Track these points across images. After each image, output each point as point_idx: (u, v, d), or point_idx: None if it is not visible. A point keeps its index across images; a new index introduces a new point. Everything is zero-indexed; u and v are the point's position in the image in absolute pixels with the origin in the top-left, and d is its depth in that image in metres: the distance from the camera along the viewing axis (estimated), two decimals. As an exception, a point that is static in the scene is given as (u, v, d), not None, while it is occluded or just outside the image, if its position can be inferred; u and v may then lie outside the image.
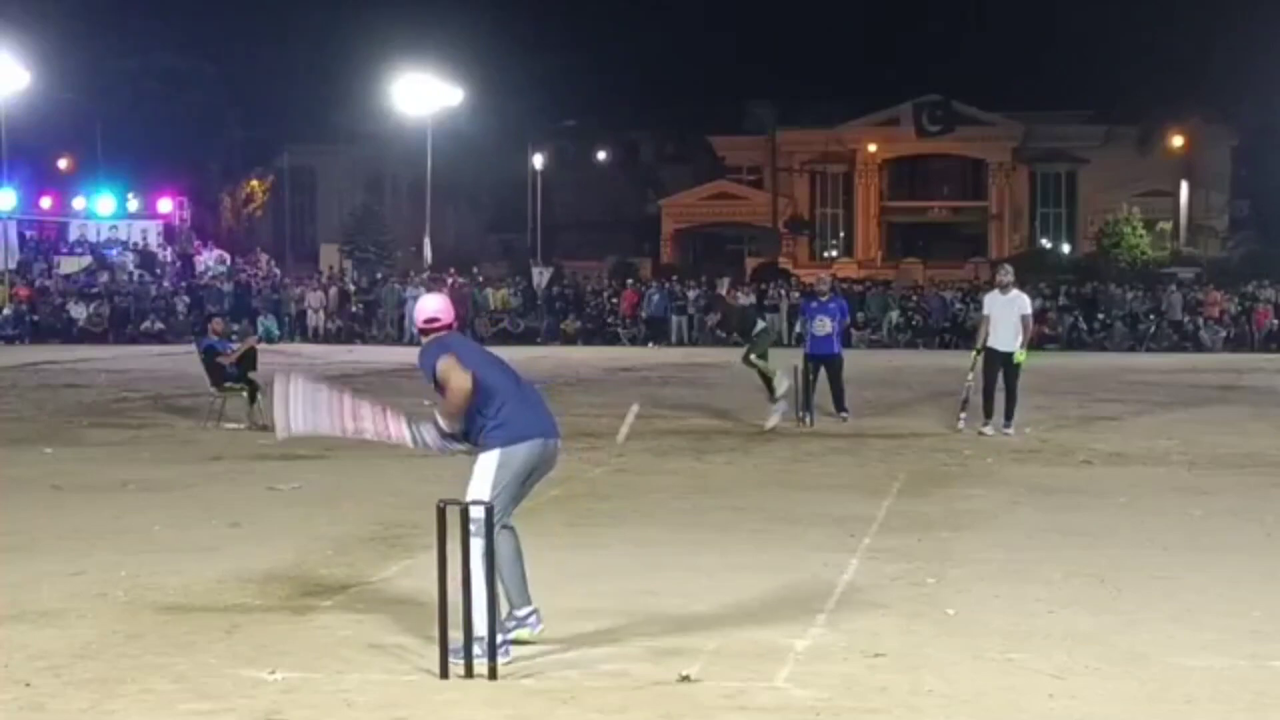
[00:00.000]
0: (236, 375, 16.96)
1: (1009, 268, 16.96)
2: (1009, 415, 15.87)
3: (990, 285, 16.91)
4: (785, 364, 17.16)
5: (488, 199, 68.95)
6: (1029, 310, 16.23)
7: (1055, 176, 67.73)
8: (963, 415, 16.25)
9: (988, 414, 15.84)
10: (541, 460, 6.83)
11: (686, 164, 71.43)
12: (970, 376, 16.07)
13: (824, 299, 17.96)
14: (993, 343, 15.87)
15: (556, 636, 6.86)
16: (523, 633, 6.65)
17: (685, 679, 6.17)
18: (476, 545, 6.25)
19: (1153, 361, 32.63)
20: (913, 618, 7.34)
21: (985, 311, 16.32)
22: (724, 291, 17.31)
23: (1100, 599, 7.81)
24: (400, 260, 54.30)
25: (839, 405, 17.36)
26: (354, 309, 43.16)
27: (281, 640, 6.88)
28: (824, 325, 17.33)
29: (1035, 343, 38.71)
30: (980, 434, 15.57)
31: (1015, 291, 16.15)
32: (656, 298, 41.44)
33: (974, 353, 16.18)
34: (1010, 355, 15.78)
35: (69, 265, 47.01)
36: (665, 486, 12.12)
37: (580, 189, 67.44)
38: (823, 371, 17.29)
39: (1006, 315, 15.86)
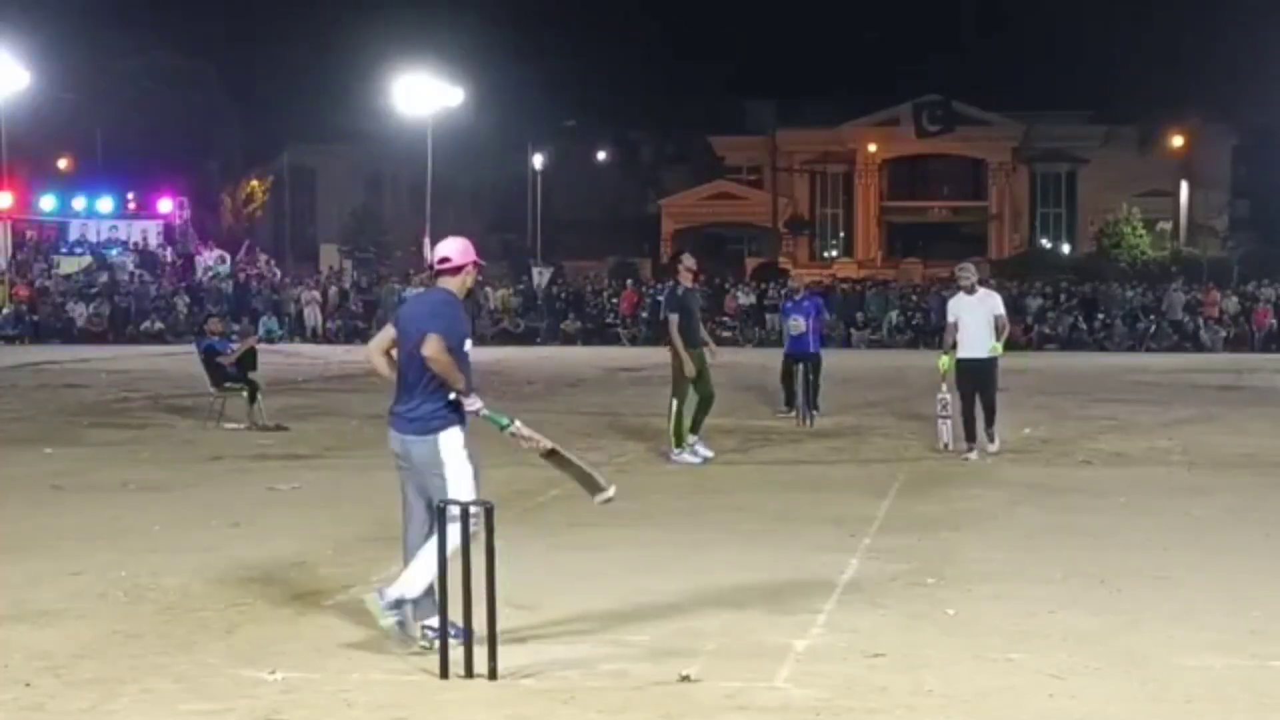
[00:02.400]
0: (236, 375, 16.96)
1: (970, 266, 14.76)
2: (989, 424, 14.16)
3: (957, 287, 14.62)
4: (771, 365, 17.14)
5: (488, 199, 68.97)
6: (1002, 309, 14.28)
7: (1055, 176, 67.76)
8: (944, 430, 14.51)
9: (970, 437, 14.05)
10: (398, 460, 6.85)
11: (686, 164, 71.49)
12: (944, 389, 14.41)
13: (798, 298, 18.20)
14: (965, 352, 14.08)
15: (557, 637, 6.86)
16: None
17: (685, 679, 6.17)
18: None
19: (1153, 361, 32.62)
20: (913, 618, 7.34)
21: (952, 318, 14.35)
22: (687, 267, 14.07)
23: (1100, 599, 7.81)
24: (400, 260, 54.30)
25: (811, 403, 17.38)
26: (353, 308, 43.16)
27: (281, 640, 6.88)
28: (798, 325, 17.48)
29: (1035, 343, 39.27)
30: (965, 459, 13.79)
31: (983, 291, 14.44)
32: None
33: (941, 360, 14.40)
34: (984, 363, 14.04)
35: (69, 265, 47.02)
36: (665, 486, 12.11)
37: (580, 189, 67.44)
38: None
39: (978, 319, 14.06)
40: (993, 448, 14.13)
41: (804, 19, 73.48)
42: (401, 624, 6.53)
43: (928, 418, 17.70)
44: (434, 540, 6.35)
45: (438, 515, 6.29)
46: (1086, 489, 11.98)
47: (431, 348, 6.54)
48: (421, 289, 41.29)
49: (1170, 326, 40.09)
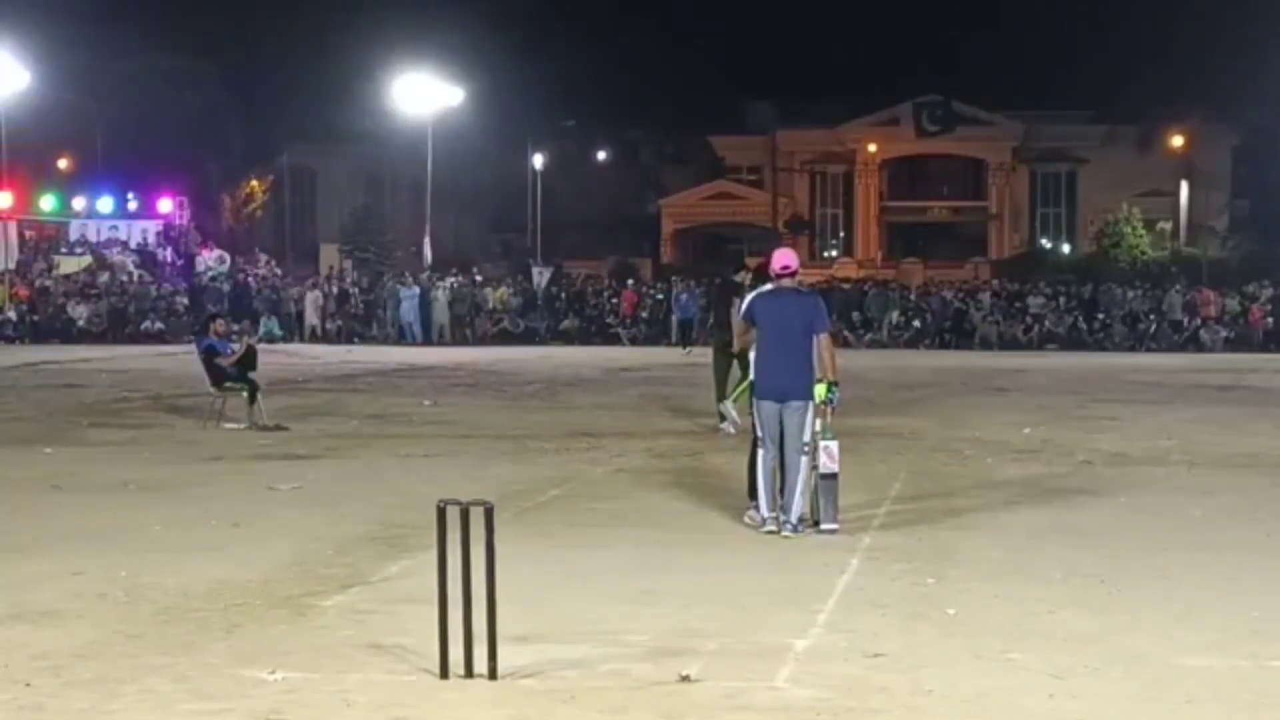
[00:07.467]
0: (236, 375, 16.96)
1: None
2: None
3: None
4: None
5: (488, 199, 68.97)
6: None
7: (1055, 176, 67.76)
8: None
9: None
10: (774, 416, 9.33)
11: (686, 164, 71.50)
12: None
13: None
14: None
15: (557, 637, 6.87)
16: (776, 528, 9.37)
17: (685, 679, 6.17)
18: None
19: (1153, 361, 32.61)
20: (913, 618, 7.34)
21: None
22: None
23: (1100, 599, 7.81)
24: (400, 260, 54.31)
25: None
26: (355, 309, 43.15)
27: (281, 640, 6.88)
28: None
29: (1035, 343, 39.24)
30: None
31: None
32: (685, 297, 39.89)
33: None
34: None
35: (69, 265, 46.98)
36: (665, 486, 12.11)
37: (580, 189, 67.42)
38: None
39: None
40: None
41: (804, 19, 73.58)
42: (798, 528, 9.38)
43: (928, 418, 17.74)
44: (804, 468, 9.32)
45: (800, 450, 9.32)
46: (1086, 489, 11.98)
47: (830, 342, 9.56)
48: (417, 289, 41.41)
49: (1170, 326, 40.07)
